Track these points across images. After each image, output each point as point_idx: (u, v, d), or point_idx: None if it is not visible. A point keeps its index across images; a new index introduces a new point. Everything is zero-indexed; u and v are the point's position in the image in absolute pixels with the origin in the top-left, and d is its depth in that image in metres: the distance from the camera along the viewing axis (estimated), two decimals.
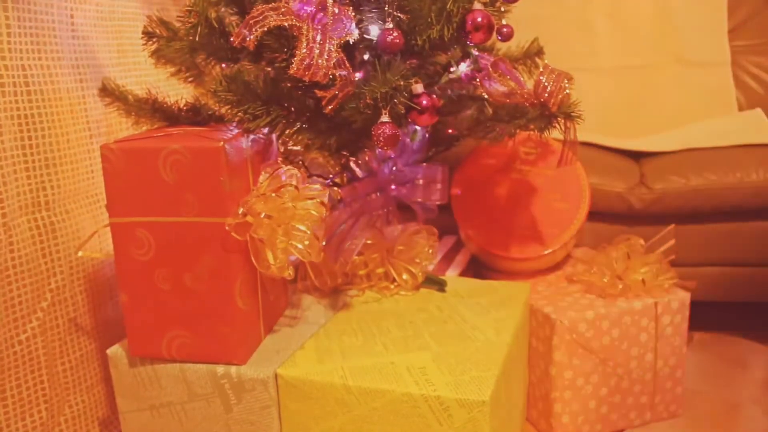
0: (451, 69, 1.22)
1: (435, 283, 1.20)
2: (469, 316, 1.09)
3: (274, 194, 0.94)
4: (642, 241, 1.30)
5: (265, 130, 1.03)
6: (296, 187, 0.96)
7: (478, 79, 1.17)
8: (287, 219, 0.94)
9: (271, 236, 0.93)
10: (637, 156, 1.72)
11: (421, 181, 1.21)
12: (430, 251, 1.19)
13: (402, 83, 0.95)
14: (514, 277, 1.37)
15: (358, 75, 1.05)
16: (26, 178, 1.09)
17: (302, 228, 0.94)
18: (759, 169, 1.54)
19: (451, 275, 1.35)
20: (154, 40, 1.12)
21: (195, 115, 1.12)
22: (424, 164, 1.22)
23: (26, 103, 1.08)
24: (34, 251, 1.10)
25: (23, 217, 1.08)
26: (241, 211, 0.92)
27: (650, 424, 1.32)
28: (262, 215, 0.92)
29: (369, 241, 1.15)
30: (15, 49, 1.06)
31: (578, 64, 2.05)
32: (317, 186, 0.98)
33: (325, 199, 0.98)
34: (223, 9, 1.09)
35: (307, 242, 0.94)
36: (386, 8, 0.99)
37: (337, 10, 0.94)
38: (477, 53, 1.22)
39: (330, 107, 0.96)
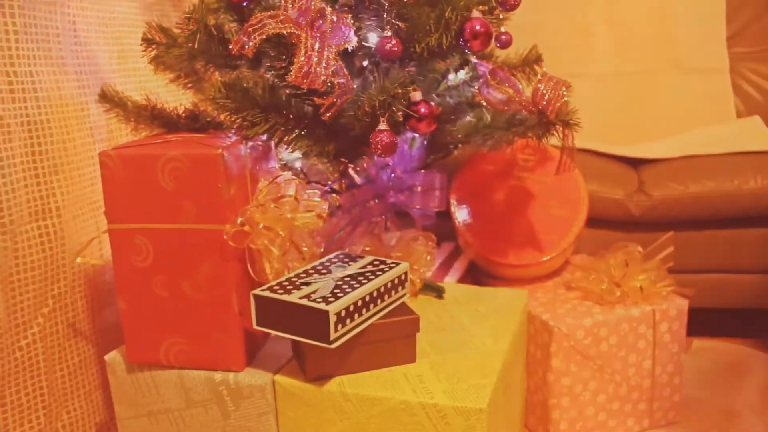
0: (450, 76, 1.22)
1: (433, 289, 1.20)
2: (467, 323, 1.09)
3: (273, 205, 0.95)
4: (640, 248, 1.30)
5: (264, 137, 1.03)
6: (296, 198, 0.96)
7: (476, 87, 1.18)
8: (285, 229, 0.94)
9: (269, 246, 0.93)
10: (635, 163, 1.72)
11: (419, 188, 1.21)
12: (429, 258, 1.19)
13: (400, 91, 0.96)
14: (513, 284, 1.37)
15: (356, 83, 1.05)
16: (35, 184, 1.09)
17: (305, 249, 0.96)
18: (757, 177, 1.54)
19: (449, 282, 1.35)
20: (154, 46, 1.12)
21: (194, 122, 1.12)
22: (423, 171, 1.23)
23: (35, 109, 1.08)
24: (41, 258, 1.10)
25: (31, 224, 1.08)
26: (239, 220, 0.92)
27: (648, 431, 1.32)
28: (261, 225, 0.92)
29: (367, 248, 1.16)
30: (23, 55, 1.06)
31: (577, 70, 2.05)
32: (317, 198, 0.98)
33: (324, 212, 0.98)
34: (222, 16, 1.09)
35: (304, 261, 0.96)
36: (385, 16, 0.99)
37: (335, 18, 0.95)
38: (475, 61, 1.22)
39: (328, 114, 0.96)
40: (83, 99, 1.20)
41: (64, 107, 1.15)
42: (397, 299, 0.99)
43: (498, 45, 1.17)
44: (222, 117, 1.04)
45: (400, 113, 0.97)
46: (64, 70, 1.15)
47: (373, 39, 1.05)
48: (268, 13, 0.94)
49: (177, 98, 1.38)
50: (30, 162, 1.08)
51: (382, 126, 0.96)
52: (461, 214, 1.42)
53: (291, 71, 0.92)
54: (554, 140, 1.11)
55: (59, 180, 1.13)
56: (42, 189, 1.10)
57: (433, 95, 1.19)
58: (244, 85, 1.03)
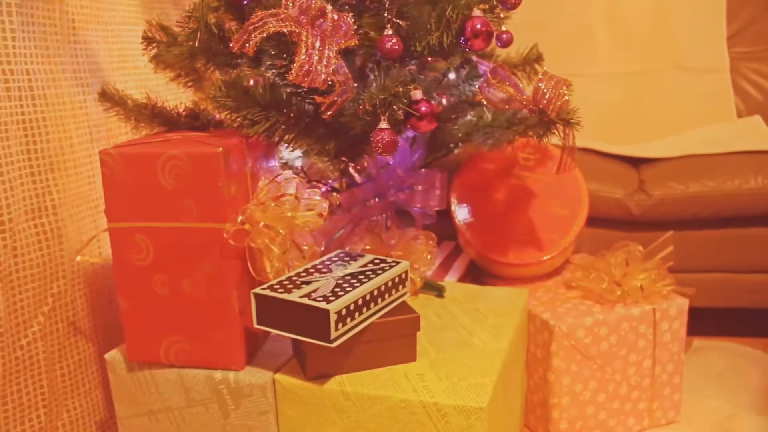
0: (450, 75, 1.22)
1: (434, 288, 1.20)
2: (467, 322, 1.09)
3: (273, 204, 0.94)
4: (640, 248, 1.30)
5: (264, 136, 1.03)
6: (296, 197, 0.96)
7: (477, 86, 1.17)
8: (286, 228, 0.94)
9: (269, 245, 0.93)
10: (636, 162, 1.72)
11: (419, 187, 1.21)
12: (429, 257, 1.19)
13: (401, 89, 0.96)
14: (513, 283, 1.37)
15: (356, 81, 1.05)
16: (31, 182, 1.09)
17: (305, 247, 0.95)
18: (757, 176, 1.54)
19: (449, 281, 1.35)
20: (154, 45, 1.12)
21: (194, 121, 1.12)
22: (423, 170, 1.23)
23: (31, 107, 1.08)
24: (39, 256, 1.10)
25: (28, 222, 1.08)
26: (240, 219, 0.92)
27: (648, 430, 1.32)
28: (261, 224, 0.92)
29: (368, 247, 1.15)
30: (20, 54, 1.06)
31: (577, 70, 2.05)
32: (317, 197, 0.98)
33: (324, 211, 0.98)
34: (222, 15, 1.09)
35: (305, 260, 0.96)
36: (386, 14, 0.99)
37: (336, 17, 0.94)
38: (476, 59, 1.22)
39: (329, 113, 0.96)
40: (81, 97, 1.20)
41: (61, 105, 1.15)
42: (398, 298, 0.99)
43: (499, 44, 1.17)
44: (222, 115, 1.04)
45: (400, 112, 0.97)
46: (61, 69, 1.15)
47: (373, 38, 1.05)
48: (269, 11, 0.94)
49: (177, 97, 1.38)
50: (26, 160, 1.08)
51: (383, 125, 0.96)
52: (461, 213, 1.42)
53: (292, 70, 0.92)
54: (555, 139, 1.11)
55: (56, 178, 1.13)
56: (38, 187, 1.10)
57: (434, 94, 1.19)
58: (245, 83, 1.03)
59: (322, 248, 1.11)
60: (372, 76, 1.09)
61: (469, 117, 1.24)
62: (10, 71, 1.04)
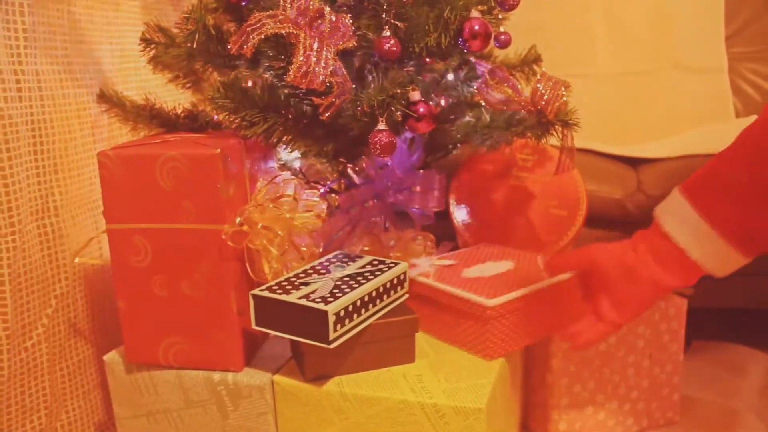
0: (449, 76, 1.22)
1: None
2: None
3: (272, 205, 0.95)
4: None
5: (263, 137, 1.03)
6: (294, 198, 0.96)
7: (475, 87, 1.18)
8: (284, 229, 0.94)
9: (268, 246, 0.93)
10: (634, 162, 1.72)
11: (418, 188, 1.21)
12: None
13: (399, 91, 0.96)
14: None
15: (354, 83, 1.05)
16: (36, 183, 1.09)
17: (304, 248, 0.95)
18: None
19: None
20: (152, 46, 1.12)
21: (192, 122, 1.12)
22: (422, 171, 1.23)
23: (39, 108, 1.08)
24: (42, 257, 1.10)
25: (33, 223, 1.08)
26: (238, 220, 0.92)
27: (647, 430, 1.32)
28: (259, 225, 0.92)
29: (366, 248, 1.15)
30: (30, 54, 1.06)
31: (576, 70, 2.05)
32: (315, 198, 0.98)
33: (323, 212, 0.98)
34: (220, 16, 1.09)
35: (303, 261, 0.96)
36: (384, 16, 0.99)
37: (334, 18, 0.95)
38: (475, 61, 1.22)
39: (327, 114, 0.96)
40: (85, 98, 1.20)
41: (67, 106, 1.15)
42: (397, 299, 0.99)
43: (497, 45, 1.17)
44: (220, 117, 1.04)
45: (398, 113, 0.97)
46: (68, 69, 1.15)
47: (372, 39, 1.05)
48: (267, 12, 0.94)
49: (176, 98, 1.38)
50: (32, 161, 1.08)
51: (381, 126, 0.96)
52: (460, 214, 1.42)
53: (289, 71, 0.92)
54: (553, 140, 1.11)
55: (59, 179, 1.13)
56: (42, 188, 1.10)
57: (432, 95, 1.19)
58: (243, 85, 1.03)
59: (321, 249, 1.11)
60: (370, 78, 1.09)
61: (467, 118, 1.24)
62: (21, 71, 1.04)
